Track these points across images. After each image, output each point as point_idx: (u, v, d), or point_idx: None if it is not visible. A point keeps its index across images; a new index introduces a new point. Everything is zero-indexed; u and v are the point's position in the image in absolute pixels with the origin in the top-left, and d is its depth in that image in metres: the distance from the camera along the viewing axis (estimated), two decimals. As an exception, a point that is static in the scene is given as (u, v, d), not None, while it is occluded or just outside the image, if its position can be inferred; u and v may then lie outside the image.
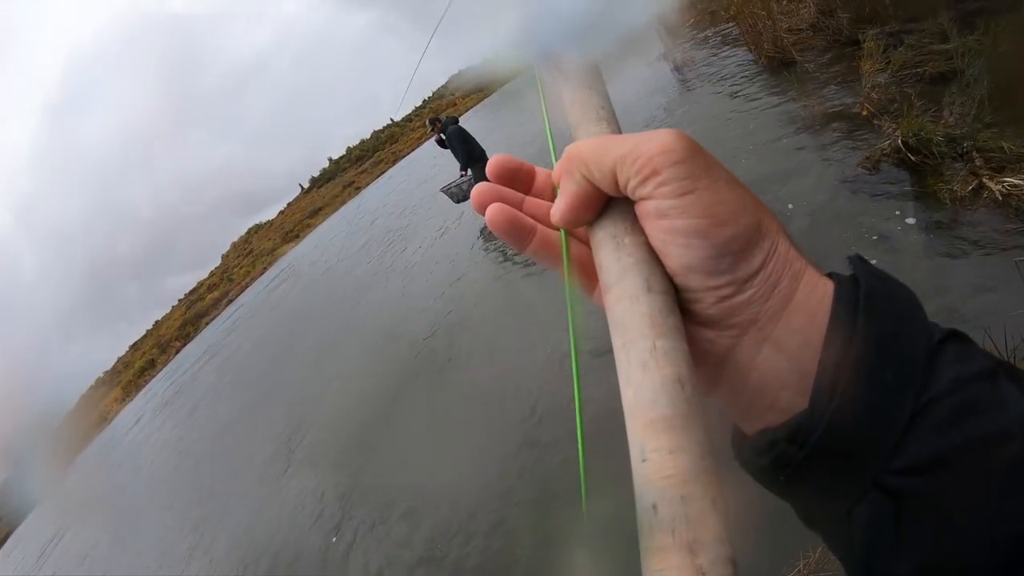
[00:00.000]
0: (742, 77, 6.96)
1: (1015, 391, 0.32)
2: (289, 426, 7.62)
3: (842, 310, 0.35)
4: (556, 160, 0.45)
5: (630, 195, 0.39)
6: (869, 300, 0.35)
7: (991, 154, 3.02)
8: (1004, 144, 2.96)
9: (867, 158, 3.81)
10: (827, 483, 0.35)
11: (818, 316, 0.36)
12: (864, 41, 4.90)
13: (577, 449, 0.41)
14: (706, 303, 0.38)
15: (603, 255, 0.40)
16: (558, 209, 0.43)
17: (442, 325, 6.83)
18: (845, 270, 0.39)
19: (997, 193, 2.82)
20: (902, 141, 3.51)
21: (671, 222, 0.37)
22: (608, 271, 0.40)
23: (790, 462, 0.35)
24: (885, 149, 3.66)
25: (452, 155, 10.03)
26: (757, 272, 0.37)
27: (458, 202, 10.50)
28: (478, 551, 3.33)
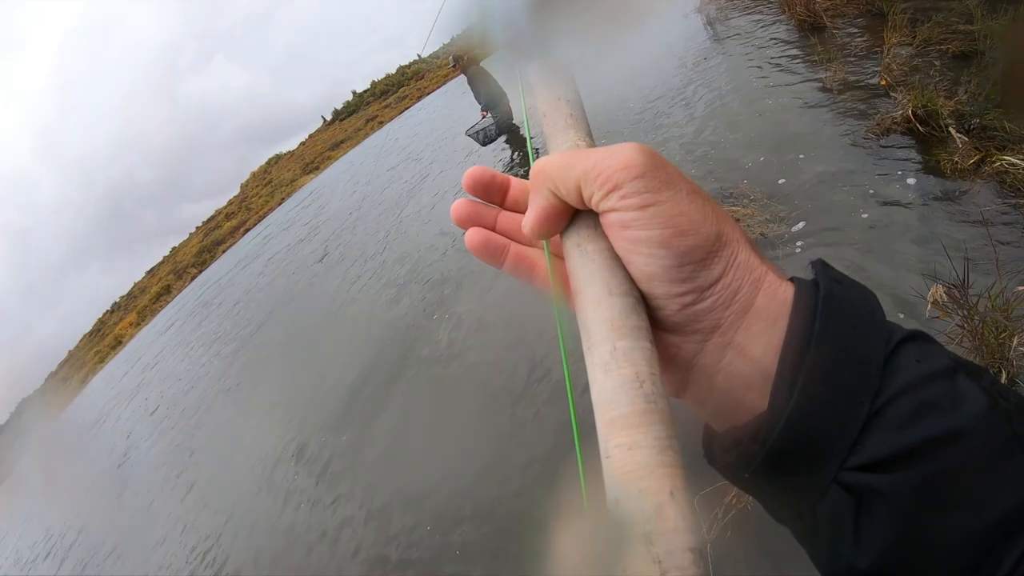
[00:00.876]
0: (772, 37, 7.00)
1: (974, 389, 0.33)
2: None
3: (799, 314, 0.36)
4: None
5: (594, 208, 0.40)
6: (827, 304, 0.36)
7: (994, 133, 3.17)
8: (1007, 124, 3.11)
9: (878, 124, 3.95)
10: (789, 480, 0.36)
11: (778, 321, 0.37)
12: (891, 13, 4.96)
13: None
14: (670, 310, 0.39)
15: (570, 263, 0.42)
16: (527, 222, 0.44)
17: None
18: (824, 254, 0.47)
19: (996, 168, 3.00)
20: (912, 111, 3.65)
21: (634, 233, 0.38)
22: (575, 277, 0.41)
23: (752, 460, 0.36)
24: (896, 118, 3.80)
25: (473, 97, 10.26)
26: (717, 280, 0.38)
27: (483, 144, 10.63)
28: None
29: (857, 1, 6.07)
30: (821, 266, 0.40)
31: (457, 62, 10.28)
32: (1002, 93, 3.35)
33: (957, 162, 3.22)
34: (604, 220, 0.40)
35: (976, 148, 3.21)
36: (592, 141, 0.45)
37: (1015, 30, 3.73)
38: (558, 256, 0.47)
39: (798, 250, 3.42)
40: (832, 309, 0.36)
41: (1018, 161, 2.90)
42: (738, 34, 7.90)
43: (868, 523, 0.33)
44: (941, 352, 0.36)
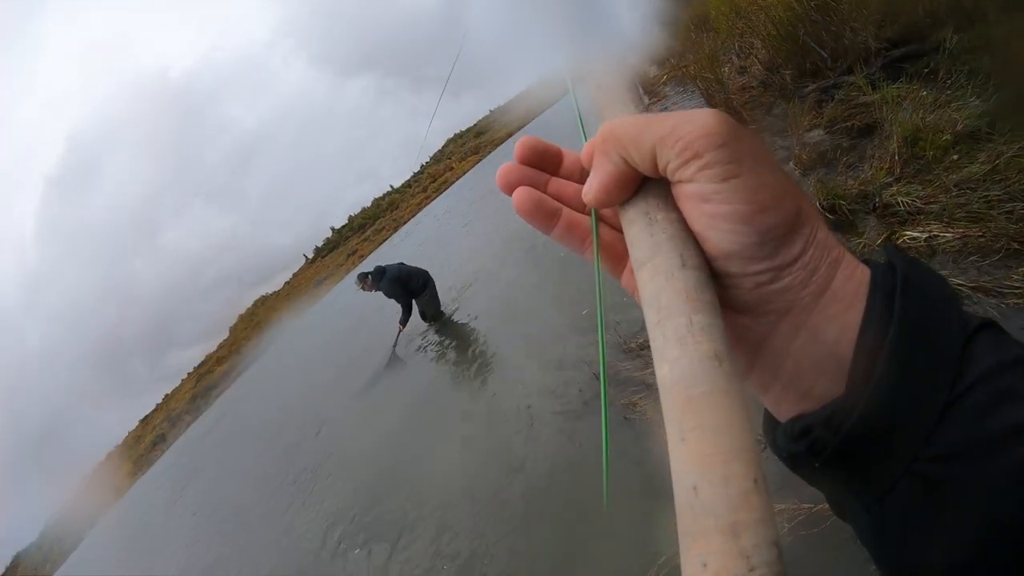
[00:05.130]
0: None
1: None
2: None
3: (878, 297, 0.35)
4: (586, 142, 0.44)
5: (669, 177, 0.38)
6: (905, 287, 0.34)
7: (896, 208, 3.07)
8: (900, 199, 3.01)
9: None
10: (861, 470, 0.34)
11: (855, 303, 0.35)
12: (790, 102, 5.00)
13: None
14: (744, 289, 0.38)
15: (635, 232, 0.39)
16: (591, 188, 0.41)
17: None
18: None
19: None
20: (819, 203, 3.57)
21: (714, 207, 0.36)
22: (640, 248, 0.39)
23: (824, 449, 0.35)
24: (809, 209, 3.69)
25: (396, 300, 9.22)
26: (797, 259, 0.36)
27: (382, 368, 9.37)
28: None
29: (772, 90, 6.08)
30: (894, 250, 0.38)
31: (363, 281, 9.35)
32: (902, 164, 3.28)
33: (867, 245, 3.11)
34: (679, 191, 0.38)
35: (884, 226, 3.10)
36: None
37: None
38: (610, 225, 0.46)
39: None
40: (911, 292, 0.34)
41: (918, 234, 2.81)
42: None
43: (942, 517, 0.31)
44: (1015, 342, 0.35)
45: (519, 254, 9.10)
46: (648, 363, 3.71)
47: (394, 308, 9.34)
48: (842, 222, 3.43)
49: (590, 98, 0.46)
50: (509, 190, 0.48)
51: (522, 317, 6.57)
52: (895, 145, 3.33)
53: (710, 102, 7.17)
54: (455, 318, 8.80)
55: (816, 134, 4.54)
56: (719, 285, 0.38)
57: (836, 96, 4.65)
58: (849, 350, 0.35)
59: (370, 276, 9.16)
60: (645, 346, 3.88)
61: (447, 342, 8.16)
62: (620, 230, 0.42)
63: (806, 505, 2.13)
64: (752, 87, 6.59)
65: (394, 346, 9.41)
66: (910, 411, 0.32)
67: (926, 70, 3.82)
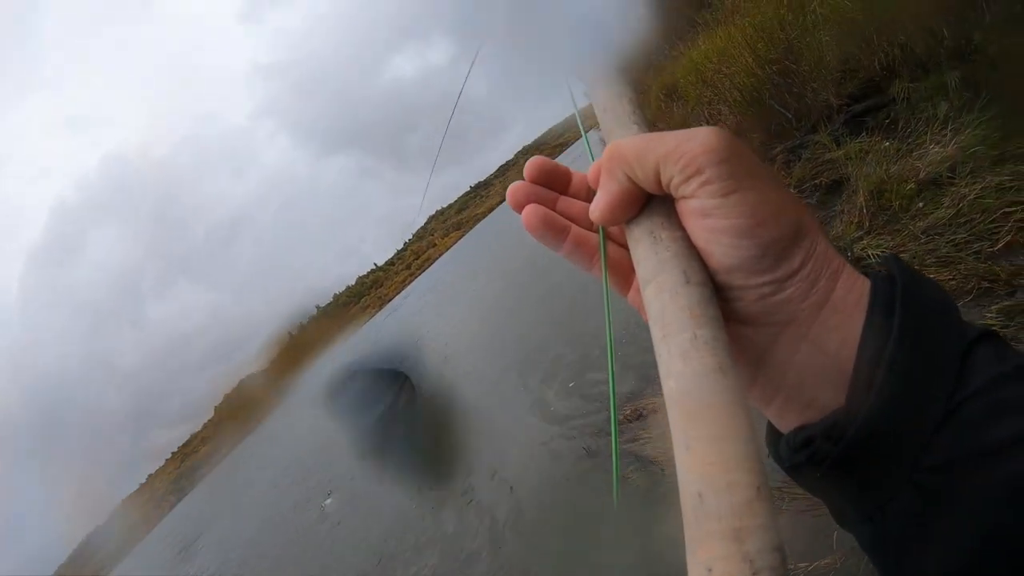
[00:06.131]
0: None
1: None
2: None
3: (878, 308, 0.35)
4: (593, 161, 0.45)
5: (672, 193, 0.38)
6: (905, 298, 0.34)
7: (868, 262, 3.08)
8: (871, 251, 3.04)
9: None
10: (861, 480, 0.35)
11: (855, 314, 0.36)
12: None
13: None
14: (746, 301, 0.38)
15: (640, 250, 0.40)
16: (597, 207, 0.42)
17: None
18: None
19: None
20: None
21: (715, 221, 0.36)
22: (645, 266, 0.39)
23: (825, 459, 0.35)
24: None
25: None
26: (797, 271, 0.37)
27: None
28: None
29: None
30: (895, 261, 0.38)
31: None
32: (871, 216, 3.31)
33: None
34: (682, 207, 0.39)
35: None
36: None
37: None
38: (617, 243, 0.47)
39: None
40: (910, 303, 0.34)
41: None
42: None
43: (940, 526, 0.32)
44: (1014, 354, 0.35)
45: (505, 319, 9.13)
46: (636, 435, 3.70)
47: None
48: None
49: (596, 119, 0.48)
50: (518, 207, 0.49)
51: (511, 384, 6.54)
52: (862, 199, 3.38)
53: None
54: (441, 402, 8.42)
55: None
56: (723, 298, 0.39)
57: (803, 155, 4.72)
58: (850, 361, 0.35)
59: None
60: (633, 418, 3.87)
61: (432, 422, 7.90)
62: (627, 247, 0.43)
63: (802, 564, 2.12)
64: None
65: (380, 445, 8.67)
66: (909, 422, 0.32)
67: (887, 121, 3.91)
